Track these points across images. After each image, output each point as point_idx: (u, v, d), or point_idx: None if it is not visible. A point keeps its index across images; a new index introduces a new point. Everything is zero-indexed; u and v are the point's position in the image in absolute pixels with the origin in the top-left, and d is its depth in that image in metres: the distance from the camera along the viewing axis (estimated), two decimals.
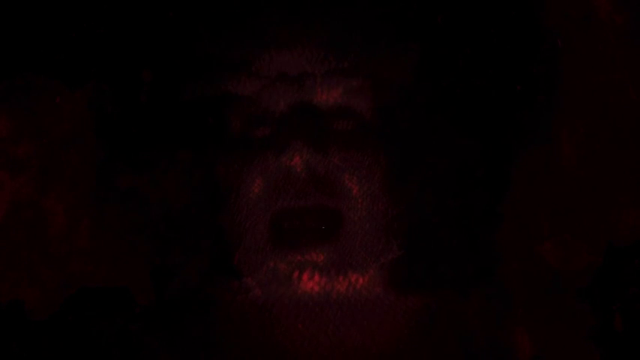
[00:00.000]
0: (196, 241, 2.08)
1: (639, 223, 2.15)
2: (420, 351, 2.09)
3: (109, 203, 2.05)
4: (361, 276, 2.11)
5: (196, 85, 2.08)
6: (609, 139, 2.19)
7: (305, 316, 2.07)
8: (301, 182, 2.10)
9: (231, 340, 2.06)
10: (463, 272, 2.13)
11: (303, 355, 2.06)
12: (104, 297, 2.03)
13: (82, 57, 2.08)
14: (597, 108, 2.20)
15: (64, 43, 2.07)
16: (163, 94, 2.11)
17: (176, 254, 2.07)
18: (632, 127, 2.19)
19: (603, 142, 2.19)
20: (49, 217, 2.02)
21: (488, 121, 2.18)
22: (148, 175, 2.08)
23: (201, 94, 2.09)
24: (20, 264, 2.00)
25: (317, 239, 2.10)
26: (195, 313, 2.06)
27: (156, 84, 2.10)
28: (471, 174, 2.16)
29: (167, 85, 2.11)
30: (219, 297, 2.07)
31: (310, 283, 2.09)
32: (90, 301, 2.03)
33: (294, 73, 2.11)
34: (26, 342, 1.99)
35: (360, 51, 2.15)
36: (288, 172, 2.09)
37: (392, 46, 2.16)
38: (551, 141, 2.18)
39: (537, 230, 2.15)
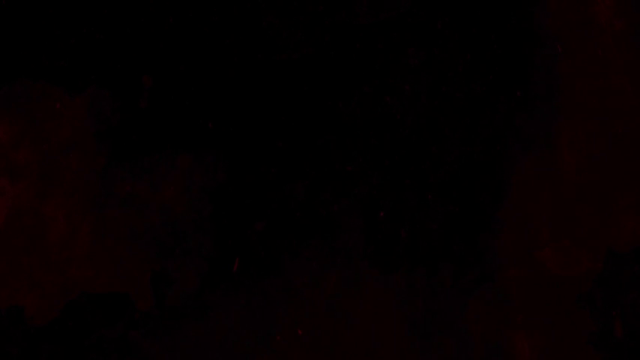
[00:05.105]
0: (196, 247, 2.08)
1: (639, 229, 2.15)
2: (420, 355, 2.09)
3: (108, 209, 2.05)
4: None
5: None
6: (609, 144, 2.19)
7: (305, 318, 2.07)
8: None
9: (230, 344, 2.06)
10: (463, 278, 2.13)
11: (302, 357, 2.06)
12: (104, 303, 2.03)
13: (82, 63, 2.08)
14: (597, 113, 2.20)
15: (64, 50, 2.07)
16: (163, 99, 2.10)
17: (176, 260, 2.07)
18: (632, 133, 2.19)
19: (603, 147, 2.19)
20: (49, 223, 2.02)
21: (488, 126, 2.18)
22: (148, 180, 2.08)
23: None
24: (20, 270, 2.00)
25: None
26: (195, 319, 2.06)
27: (155, 89, 2.10)
28: (471, 180, 2.16)
29: (167, 91, 2.11)
30: (219, 302, 2.07)
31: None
32: (90, 306, 2.03)
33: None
34: (26, 347, 1.99)
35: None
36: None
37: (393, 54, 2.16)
38: (550, 146, 2.18)
39: (537, 236, 2.15)
